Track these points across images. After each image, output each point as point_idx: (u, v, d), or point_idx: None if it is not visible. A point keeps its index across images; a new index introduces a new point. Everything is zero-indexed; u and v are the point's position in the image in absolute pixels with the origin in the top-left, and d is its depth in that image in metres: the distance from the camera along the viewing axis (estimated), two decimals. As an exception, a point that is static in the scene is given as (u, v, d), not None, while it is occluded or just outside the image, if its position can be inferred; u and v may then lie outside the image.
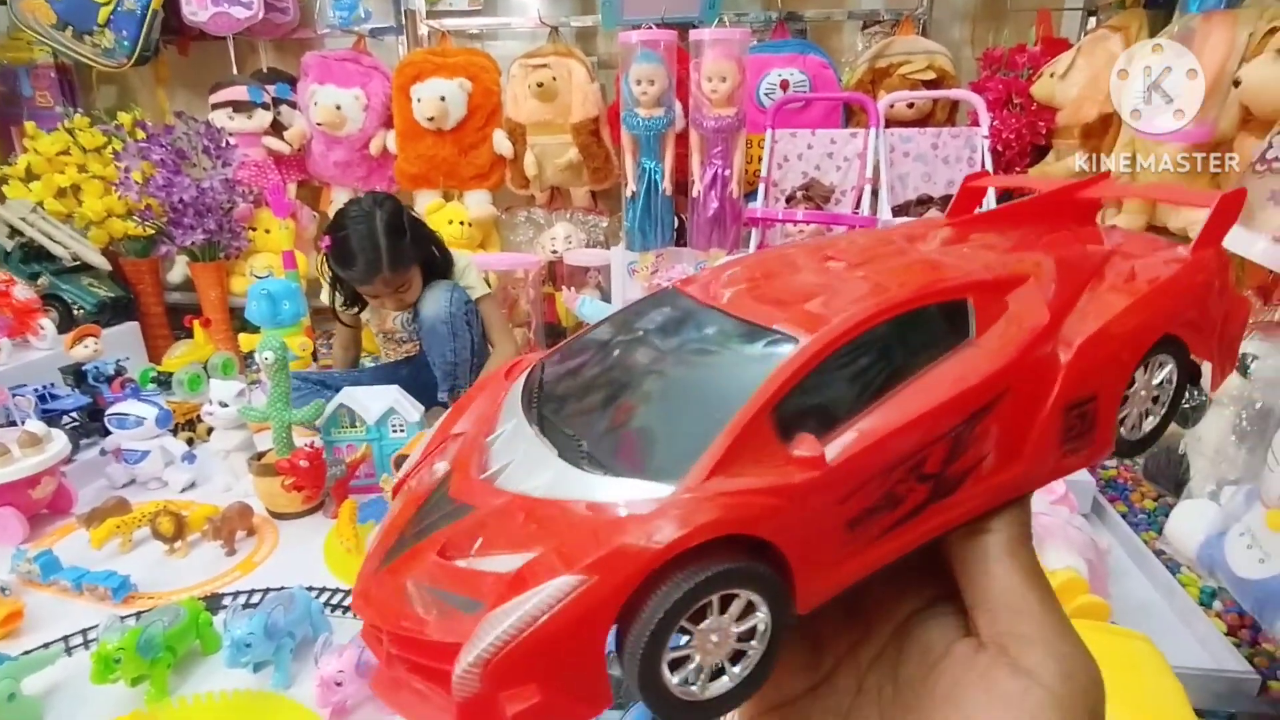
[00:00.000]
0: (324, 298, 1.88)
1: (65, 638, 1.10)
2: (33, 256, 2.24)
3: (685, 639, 0.21)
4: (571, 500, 0.22)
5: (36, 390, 1.71)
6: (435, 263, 1.75)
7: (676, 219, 2.14)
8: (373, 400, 1.51)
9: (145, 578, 1.25)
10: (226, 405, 1.52)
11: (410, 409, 1.51)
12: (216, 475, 1.60)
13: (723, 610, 0.21)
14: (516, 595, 0.20)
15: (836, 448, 0.22)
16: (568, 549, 0.20)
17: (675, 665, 0.21)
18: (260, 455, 1.49)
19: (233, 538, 1.35)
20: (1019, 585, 0.24)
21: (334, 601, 1.18)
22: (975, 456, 0.24)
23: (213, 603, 1.16)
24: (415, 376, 1.66)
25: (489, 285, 1.85)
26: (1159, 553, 1.28)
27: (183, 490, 1.57)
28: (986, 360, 0.24)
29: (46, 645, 1.07)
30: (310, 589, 1.15)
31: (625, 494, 0.21)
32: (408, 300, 1.71)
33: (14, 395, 1.60)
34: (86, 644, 1.10)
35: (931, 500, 0.24)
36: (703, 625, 0.21)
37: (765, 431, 0.21)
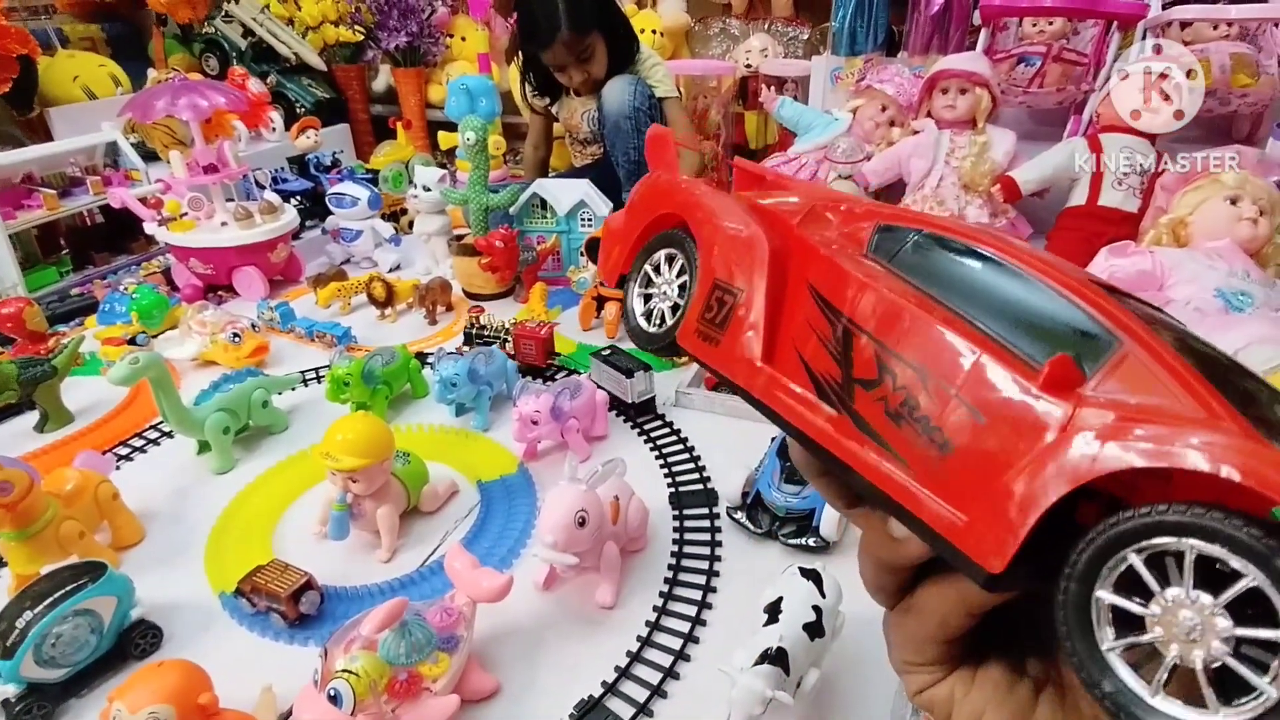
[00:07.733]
0: (515, 94, 1.87)
1: (301, 372, 1.25)
2: (262, 57, 2.41)
3: None
4: None
5: (269, 173, 1.88)
6: (619, 34, 1.68)
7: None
8: (564, 192, 1.52)
9: (361, 336, 1.38)
10: (429, 190, 1.59)
11: (600, 202, 1.51)
12: (419, 259, 1.72)
13: None
14: None
15: None
16: None
17: None
18: (459, 238, 1.56)
19: (434, 308, 1.45)
20: None
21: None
22: None
23: (419, 359, 1.26)
24: (600, 182, 1.64)
25: (678, 92, 1.77)
26: None
27: (390, 270, 1.70)
28: None
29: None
30: (504, 354, 1.21)
31: None
32: (594, 74, 1.67)
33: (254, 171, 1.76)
34: (319, 378, 1.25)
35: None
36: None
37: None
